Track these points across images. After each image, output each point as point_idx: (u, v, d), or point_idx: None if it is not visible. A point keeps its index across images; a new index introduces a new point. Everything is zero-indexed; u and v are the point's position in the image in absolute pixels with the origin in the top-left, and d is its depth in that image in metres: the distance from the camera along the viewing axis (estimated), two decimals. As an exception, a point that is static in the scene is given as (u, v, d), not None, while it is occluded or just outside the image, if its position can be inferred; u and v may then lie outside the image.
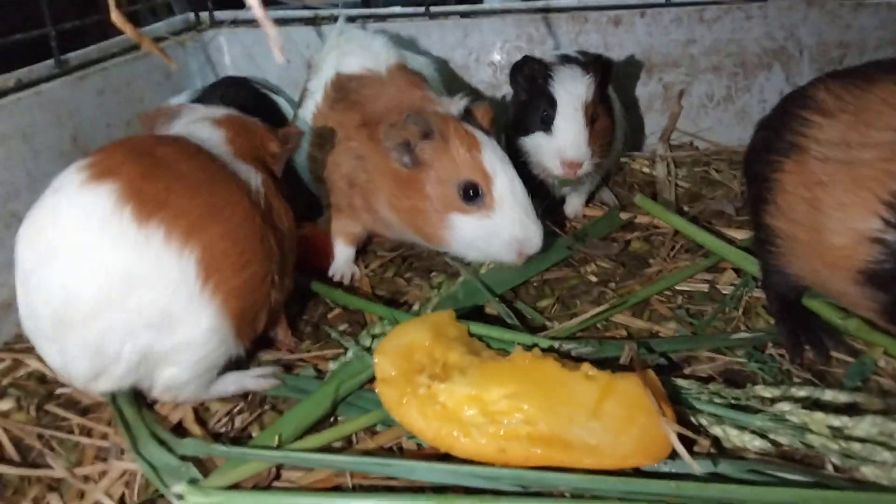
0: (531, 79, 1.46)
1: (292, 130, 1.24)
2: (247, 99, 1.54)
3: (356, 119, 1.31)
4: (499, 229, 1.20)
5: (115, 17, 0.67)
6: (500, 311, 1.21)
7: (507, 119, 1.56)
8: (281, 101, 1.65)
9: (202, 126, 1.15)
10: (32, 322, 0.96)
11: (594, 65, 1.43)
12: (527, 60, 1.49)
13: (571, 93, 1.38)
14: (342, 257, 1.40)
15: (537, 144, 1.42)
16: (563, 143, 1.38)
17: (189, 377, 1.00)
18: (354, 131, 1.30)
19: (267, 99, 1.63)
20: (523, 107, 1.48)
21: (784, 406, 0.92)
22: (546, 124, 1.40)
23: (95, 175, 0.94)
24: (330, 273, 1.39)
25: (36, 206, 0.97)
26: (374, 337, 1.13)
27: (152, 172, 0.95)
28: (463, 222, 1.20)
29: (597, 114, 1.41)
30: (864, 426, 0.88)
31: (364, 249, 1.46)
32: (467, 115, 1.26)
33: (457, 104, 1.26)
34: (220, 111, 1.21)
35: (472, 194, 1.19)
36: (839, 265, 0.96)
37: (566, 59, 1.48)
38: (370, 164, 1.27)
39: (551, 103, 1.39)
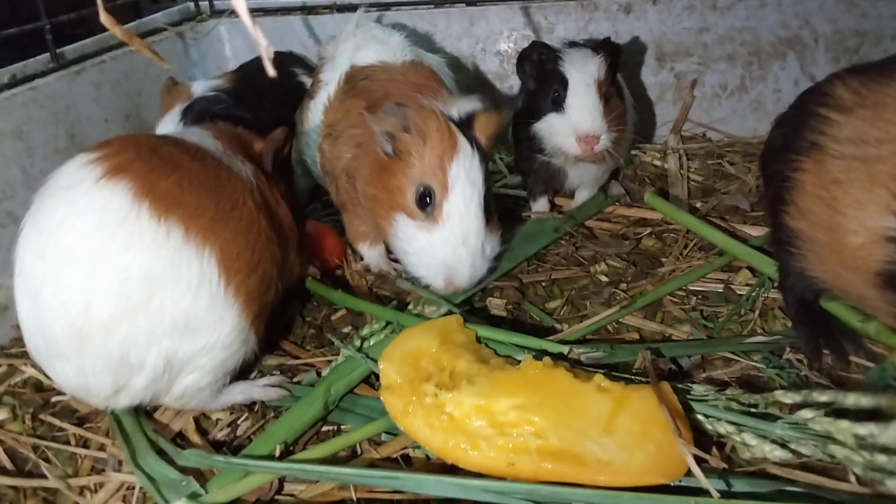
0: (540, 64, 1.42)
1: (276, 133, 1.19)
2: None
3: (361, 105, 1.25)
4: (433, 247, 1.12)
5: (104, 17, 0.64)
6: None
7: (516, 110, 1.52)
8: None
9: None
10: (43, 340, 0.89)
11: (604, 48, 1.38)
12: (535, 46, 1.44)
13: (583, 71, 1.34)
14: (368, 258, 1.36)
15: (550, 126, 1.37)
16: (576, 117, 1.33)
17: (209, 382, 0.97)
18: (358, 117, 1.24)
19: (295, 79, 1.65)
20: (533, 94, 1.43)
21: (806, 413, 0.88)
22: (558, 104, 1.35)
23: (109, 171, 0.89)
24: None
25: (41, 208, 0.89)
26: (363, 339, 1.10)
27: (163, 170, 0.92)
28: (406, 226, 1.13)
29: (609, 94, 1.36)
30: (891, 433, 0.83)
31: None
32: (469, 121, 1.17)
33: (461, 105, 1.18)
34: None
35: (426, 202, 1.11)
36: (857, 267, 0.92)
37: (574, 45, 1.44)
38: (364, 149, 1.21)
39: (562, 83, 1.35)
